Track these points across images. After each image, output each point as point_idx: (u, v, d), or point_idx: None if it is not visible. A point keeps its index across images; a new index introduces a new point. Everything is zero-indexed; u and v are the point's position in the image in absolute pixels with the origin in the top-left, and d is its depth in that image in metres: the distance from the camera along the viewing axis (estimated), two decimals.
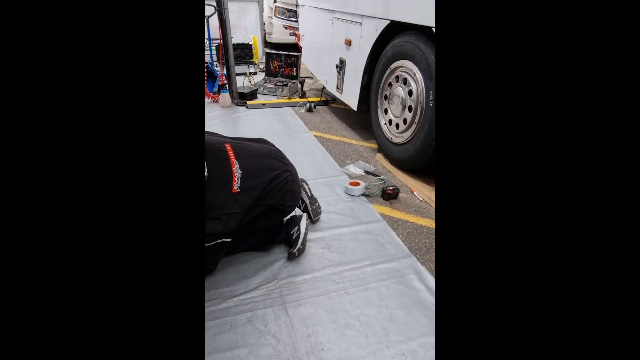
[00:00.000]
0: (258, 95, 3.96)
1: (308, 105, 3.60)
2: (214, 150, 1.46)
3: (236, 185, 1.42)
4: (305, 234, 1.72)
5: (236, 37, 5.17)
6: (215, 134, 1.67)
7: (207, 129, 3.07)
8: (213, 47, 4.09)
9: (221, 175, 1.41)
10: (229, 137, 1.65)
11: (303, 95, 3.99)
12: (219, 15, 3.40)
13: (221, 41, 3.51)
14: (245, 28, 5.62)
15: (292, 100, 3.88)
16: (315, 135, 3.04)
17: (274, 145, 1.76)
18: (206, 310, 1.42)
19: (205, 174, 1.38)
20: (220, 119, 3.34)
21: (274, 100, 3.88)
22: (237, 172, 1.45)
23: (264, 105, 3.70)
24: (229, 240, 1.48)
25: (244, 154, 1.53)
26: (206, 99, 3.73)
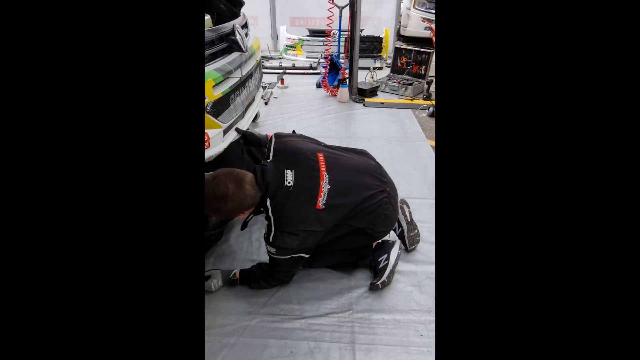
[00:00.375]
0: (378, 93, 3.74)
1: (431, 109, 3.23)
2: (304, 159, 1.32)
3: (321, 202, 1.27)
4: (395, 266, 1.48)
5: (368, 29, 5.01)
6: (311, 139, 1.54)
7: (319, 124, 3.06)
8: (342, 39, 4.01)
9: (307, 187, 1.28)
10: (325, 145, 1.50)
11: (428, 97, 3.61)
12: (350, 6, 3.27)
13: (349, 33, 3.39)
14: (379, 19, 5.41)
15: (415, 101, 3.55)
16: (432, 146, 2.69)
17: (374, 159, 1.55)
18: (270, 326, 1.33)
19: (291, 183, 1.26)
20: (335, 114, 3.24)
21: (395, 100, 3.61)
22: (325, 186, 1.29)
23: (382, 105, 3.47)
24: (307, 256, 1.34)
25: (336, 166, 1.36)
26: (325, 92, 3.69)
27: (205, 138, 1.33)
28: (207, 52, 1.37)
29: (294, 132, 2.32)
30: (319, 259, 1.52)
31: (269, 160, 1.34)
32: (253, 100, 1.89)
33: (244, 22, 1.88)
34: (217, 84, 1.34)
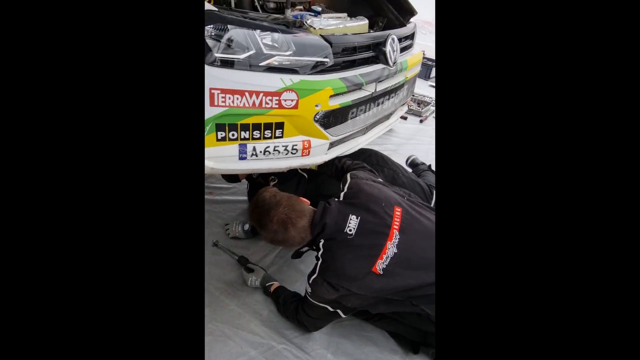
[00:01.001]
0: None
1: None
2: (376, 209, 1.11)
3: (381, 265, 1.05)
4: None
5: None
6: (395, 187, 1.28)
7: None
8: None
9: (369, 243, 1.07)
10: (409, 198, 1.23)
11: None
12: None
13: None
14: None
15: None
16: None
17: None
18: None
19: (352, 232, 1.08)
20: None
21: None
22: (391, 248, 1.06)
23: None
24: (344, 316, 1.15)
25: (414, 229, 1.10)
26: None
27: (307, 145, 1.26)
28: (342, 59, 1.27)
29: (429, 166, 2.05)
30: (379, 318, 1.30)
31: (336, 200, 1.18)
32: (387, 118, 1.73)
33: (410, 34, 1.70)
34: (336, 95, 1.24)
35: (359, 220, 1.08)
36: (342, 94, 1.26)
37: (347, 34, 1.29)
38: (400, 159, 2.33)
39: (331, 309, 1.11)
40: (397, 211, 1.12)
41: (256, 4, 1.34)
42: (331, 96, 1.21)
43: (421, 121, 3.14)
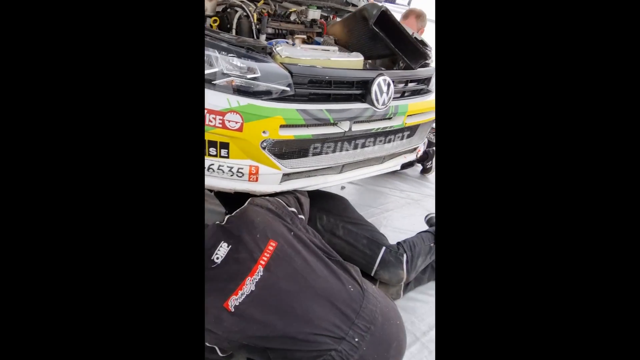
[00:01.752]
0: None
1: None
2: (249, 240, 1.01)
3: (234, 302, 0.94)
4: None
5: None
6: (291, 223, 1.13)
7: None
8: None
9: (229, 275, 0.97)
10: (298, 237, 1.08)
11: None
12: None
13: None
14: None
15: None
16: None
17: (364, 287, 1.01)
18: None
19: (219, 260, 1.00)
20: None
21: None
22: (249, 285, 0.95)
23: None
24: (222, 354, 1.04)
25: (284, 269, 0.98)
26: None
27: (254, 171, 1.22)
28: (310, 91, 1.22)
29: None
30: None
31: (217, 223, 1.11)
32: (380, 162, 1.59)
33: (421, 78, 1.57)
34: (290, 125, 1.18)
35: (229, 249, 1.00)
36: (298, 126, 1.20)
37: (316, 66, 1.24)
38: (422, 213, 2.13)
39: (208, 344, 1.02)
40: (271, 245, 1.00)
41: (253, 29, 1.38)
42: (282, 126, 1.16)
43: (425, 171, 2.80)
